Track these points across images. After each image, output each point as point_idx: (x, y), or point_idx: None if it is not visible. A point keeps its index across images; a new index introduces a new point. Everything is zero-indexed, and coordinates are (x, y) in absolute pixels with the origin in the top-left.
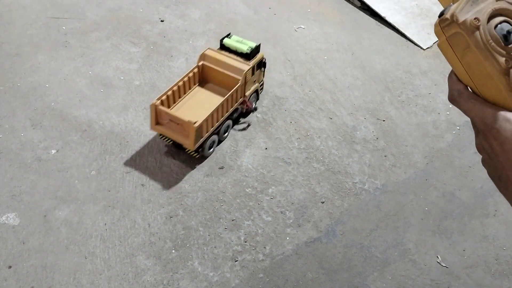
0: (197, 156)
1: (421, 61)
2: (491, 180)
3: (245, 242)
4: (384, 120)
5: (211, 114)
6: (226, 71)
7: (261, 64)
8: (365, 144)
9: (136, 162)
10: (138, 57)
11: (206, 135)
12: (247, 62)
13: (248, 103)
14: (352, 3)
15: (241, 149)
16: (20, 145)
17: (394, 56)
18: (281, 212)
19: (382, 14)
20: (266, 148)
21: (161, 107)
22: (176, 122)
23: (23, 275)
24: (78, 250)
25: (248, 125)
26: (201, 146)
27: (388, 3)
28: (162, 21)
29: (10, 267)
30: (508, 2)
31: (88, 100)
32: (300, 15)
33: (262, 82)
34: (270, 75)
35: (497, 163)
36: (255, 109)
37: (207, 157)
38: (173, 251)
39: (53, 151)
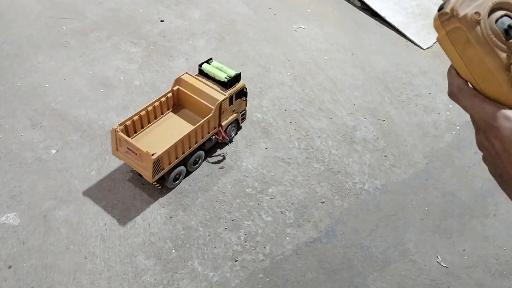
0: (159, 187)
1: (421, 61)
2: (491, 180)
3: (245, 242)
4: (384, 120)
5: (175, 145)
6: (201, 99)
7: (242, 93)
8: (365, 144)
9: None
10: (138, 57)
11: (169, 166)
12: (224, 92)
13: (223, 134)
14: (352, 3)
15: (241, 149)
16: (20, 145)
17: (394, 56)
18: (281, 212)
19: (382, 14)
20: (266, 148)
21: (120, 134)
22: (134, 151)
23: (23, 275)
24: (78, 250)
25: (224, 158)
26: (163, 177)
27: (388, 3)
28: (162, 21)
29: (10, 267)
30: None
31: (88, 100)
32: (300, 15)
33: (244, 111)
34: (270, 75)
35: (498, 161)
36: (231, 141)
37: (173, 188)
38: (173, 251)
39: (53, 151)
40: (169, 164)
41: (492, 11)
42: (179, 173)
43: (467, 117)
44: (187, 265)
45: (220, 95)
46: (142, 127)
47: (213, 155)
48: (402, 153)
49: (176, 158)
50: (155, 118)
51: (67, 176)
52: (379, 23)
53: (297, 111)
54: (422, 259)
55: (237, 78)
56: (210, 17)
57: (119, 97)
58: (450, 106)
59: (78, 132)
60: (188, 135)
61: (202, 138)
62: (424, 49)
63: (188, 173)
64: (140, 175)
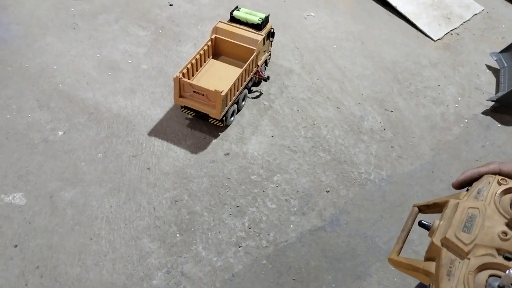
0: (221, 125)
1: (431, 53)
2: None
3: (249, 228)
4: (392, 111)
5: (233, 83)
6: (240, 42)
7: (270, 35)
8: (372, 135)
9: (142, 146)
10: (146, 41)
11: (230, 103)
12: (259, 33)
13: (260, 72)
14: None
15: (247, 136)
16: (27, 125)
17: (404, 46)
18: (286, 200)
19: (393, 3)
20: (272, 136)
21: (184, 79)
22: (201, 92)
23: (28, 254)
24: (83, 231)
25: (261, 93)
26: (225, 115)
27: None
28: (171, 5)
29: (16, 246)
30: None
31: (95, 82)
32: (310, 3)
33: (270, 52)
34: (279, 62)
35: None
36: (268, 77)
37: (229, 125)
38: (178, 235)
39: (60, 133)
40: (230, 101)
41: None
42: (234, 111)
43: (475, 110)
44: (191, 249)
45: (258, 36)
46: (193, 74)
47: (252, 92)
48: (409, 144)
49: (233, 96)
50: (201, 66)
51: (74, 158)
52: (389, 13)
53: (304, 100)
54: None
55: (266, 20)
56: (219, 2)
57: (126, 81)
58: (459, 99)
59: (85, 114)
60: (241, 74)
61: (248, 76)
62: (434, 40)
63: (237, 111)
64: (202, 117)
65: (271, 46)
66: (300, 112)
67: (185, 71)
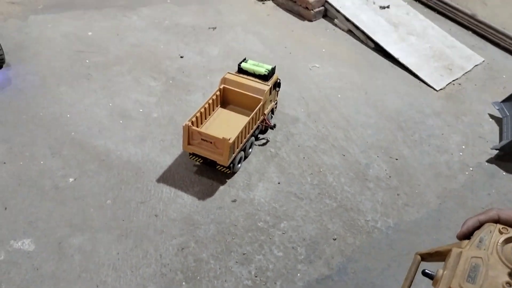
0: (229, 172)
1: (434, 102)
2: None
3: (256, 277)
4: (397, 159)
5: (241, 131)
6: (247, 92)
7: (276, 85)
8: (377, 182)
9: (151, 192)
10: (157, 90)
11: (237, 151)
12: (266, 83)
13: (267, 121)
14: (366, 44)
15: (254, 182)
16: (39, 172)
17: (407, 96)
18: (293, 248)
19: (396, 55)
20: (279, 183)
21: (193, 127)
22: (209, 140)
23: None
24: (90, 278)
25: (267, 141)
26: (232, 162)
27: (402, 45)
28: (181, 57)
29: None
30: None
31: (107, 130)
32: (315, 55)
33: (276, 101)
34: (285, 111)
35: None
36: (274, 126)
37: (236, 172)
38: (184, 283)
39: (71, 180)
40: (237, 148)
41: None
42: (241, 158)
43: (480, 158)
44: None
45: (264, 86)
46: (201, 123)
47: (259, 139)
48: (415, 192)
49: (240, 143)
50: (209, 114)
51: (83, 205)
52: (392, 64)
53: (310, 147)
54: None
55: (273, 71)
56: (227, 54)
57: (137, 129)
58: (463, 147)
59: (96, 161)
60: (248, 122)
61: (255, 124)
62: (437, 90)
63: (244, 158)
64: (209, 164)
65: (277, 95)
66: (306, 160)
67: (194, 119)
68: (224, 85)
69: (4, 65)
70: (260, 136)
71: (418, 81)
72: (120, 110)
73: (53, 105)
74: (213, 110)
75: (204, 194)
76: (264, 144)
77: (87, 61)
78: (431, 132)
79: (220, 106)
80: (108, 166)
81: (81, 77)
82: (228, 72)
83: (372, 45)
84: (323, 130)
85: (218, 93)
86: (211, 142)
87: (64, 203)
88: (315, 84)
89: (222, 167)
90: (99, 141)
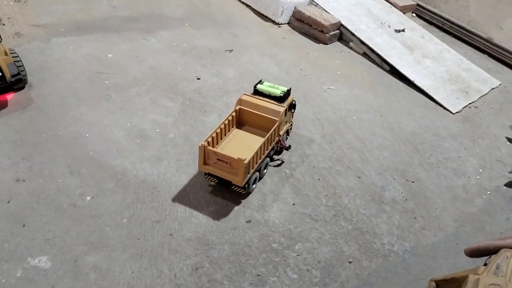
0: (243, 192)
1: (450, 125)
2: None
3: None
4: (413, 182)
5: (256, 152)
6: (263, 113)
7: (292, 106)
8: (394, 205)
9: (166, 212)
10: (174, 111)
11: (252, 171)
12: (281, 104)
13: (282, 142)
14: (381, 67)
15: (269, 203)
16: (57, 190)
17: (423, 118)
18: (307, 270)
19: (411, 78)
20: (293, 204)
21: (209, 148)
22: (225, 160)
23: None
24: None
25: (282, 162)
26: (247, 182)
27: (417, 67)
28: (198, 78)
29: None
30: None
31: (124, 150)
32: (330, 77)
33: (291, 123)
34: (300, 133)
35: None
36: (289, 147)
37: (251, 192)
38: None
39: (88, 198)
40: (252, 169)
41: None
42: (256, 178)
43: (498, 182)
44: None
45: (280, 107)
46: (217, 143)
47: (274, 160)
48: (432, 215)
49: (255, 164)
50: (225, 135)
51: (100, 223)
52: (407, 87)
53: (325, 169)
54: None
55: (288, 92)
56: (243, 76)
57: (154, 149)
58: (480, 170)
59: (113, 180)
60: (263, 143)
61: (270, 145)
62: (453, 113)
63: (259, 178)
64: (224, 184)
65: (292, 117)
66: (321, 181)
67: (210, 139)
68: (240, 106)
69: (26, 86)
70: (275, 157)
71: (434, 103)
72: (138, 130)
73: (73, 125)
74: (228, 131)
75: (218, 214)
76: (279, 165)
77: (107, 82)
78: (448, 155)
79: (236, 127)
80: (125, 185)
81: (100, 98)
82: (244, 94)
83: (388, 67)
84: (338, 152)
85: (234, 114)
86: (226, 162)
87: (81, 221)
88: (330, 106)
89: (237, 188)
90: (116, 161)
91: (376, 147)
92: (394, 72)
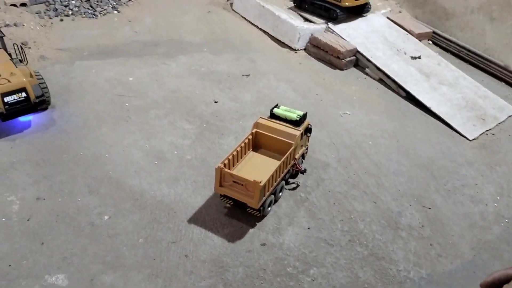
0: (259, 215)
1: (467, 152)
2: None
3: None
4: (430, 208)
5: (272, 175)
6: (279, 136)
7: (307, 130)
8: (410, 231)
9: (182, 232)
10: (191, 133)
11: (267, 194)
12: (297, 128)
13: (298, 165)
14: (397, 93)
15: (284, 226)
16: (76, 209)
17: (440, 145)
18: None
19: (428, 104)
20: (308, 228)
21: (225, 170)
22: (241, 182)
23: None
24: None
25: (297, 185)
26: (262, 205)
27: (433, 94)
28: (216, 102)
29: None
30: None
31: (142, 171)
32: (346, 102)
33: (307, 147)
34: (316, 156)
35: None
36: (305, 170)
37: (266, 215)
38: None
39: (106, 217)
40: (268, 192)
41: None
42: (271, 201)
43: None
44: None
45: (296, 131)
46: (233, 165)
47: (289, 183)
48: (449, 243)
49: (271, 187)
50: (241, 157)
51: (117, 242)
52: (423, 113)
53: (341, 193)
54: None
55: (304, 116)
56: (260, 100)
57: (171, 170)
58: (498, 198)
59: (131, 200)
60: (279, 166)
61: (286, 168)
62: (470, 140)
63: (274, 201)
64: (240, 206)
65: (308, 141)
66: (336, 205)
67: (226, 161)
68: (257, 129)
69: (49, 107)
70: (291, 180)
71: (451, 130)
72: (156, 152)
73: (93, 145)
74: (245, 154)
75: (233, 237)
76: (294, 188)
77: (127, 104)
78: (465, 182)
79: (252, 150)
80: (142, 205)
81: (121, 119)
82: (261, 117)
83: (404, 94)
84: (354, 177)
85: (250, 137)
86: (242, 185)
87: (98, 240)
88: (346, 131)
89: (252, 210)
90: (134, 181)
91: (392, 172)
92: (410, 98)
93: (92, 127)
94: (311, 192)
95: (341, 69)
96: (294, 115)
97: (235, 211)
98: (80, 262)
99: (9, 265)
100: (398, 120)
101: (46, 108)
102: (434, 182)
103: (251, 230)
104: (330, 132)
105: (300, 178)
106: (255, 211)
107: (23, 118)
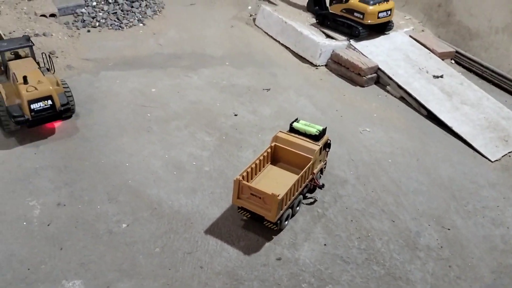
0: (275, 228)
1: (489, 173)
2: None
3: None
4: (449, 229)
5: (290, 189)
6: (298, 151)
7: (327, 145)
8: (428, 252)
9: (198, 243)
10: (210, 145)
11: (285, 208)
12: (316, 143)
13: (316, 180)
14: (418, 112)
15: (300, 242)
16: (95, 216)
17: (461, 165)
18: None
19: (449, 124)
20: (325, 244)
21: (244, 182)
22: (258, 195)
23: None
24: None
25: (315, 200)
26: (279, 218)
27: (455, 114)
28: (235, 115)
29: None
30: None
31: (161, 180)
32: (365, 119)
33: (325, 162)
34: (334, 172)
35: None
36: (323, 185)
37: (283, 229)
38: None
39: (124, 225)
40: (285, 205)
41: None
42: (288, 215)
43: None
44: None
45: (315, 146)
46: (251, 178)
47: (307, 198)
48: (468, 265)
49: (289, 201)
50: (259, 170)
51: (133, 251)
52: (445, 132)
53: (358, 210)
54: None
55: (324, 131)
56: (279, 114)
57: (189, 181)
58: None
59: (149, 209)
60: (297, 180)
61: (304, 183)
62: (492, 161)
63: (292, 215)
64: (257, 219)
65: (327, 156)
66: (354, 223)
67: (245, 174)
68: (276, 143)
69: (73, 115)
70: (308, 195)
71: (472, 150)
72: (175, 162)
73: (114, 154)
74: (263, 167)
75: (249, 250)
76: (311, 203)
77: (149, 115)
78: (486, 204)
79: (271, 163)
80: (160, 214)
81: (142, 129)
82: (280, 131)
83: (425, 112)
84: (372, 194)
85: (269, 150)
86: (260, 197)
87: (116, 247)
88: (365, 148)
89: (269, 223)
90: (153, 190)
91: (412, 191)
92: (432, 117)
93: (114, 136)
94: (329, 208)
95: (362, 86)
96: (314, 129)
97: (251, 224)
98: (97, 268)
99: (28, 269)
100: (419, 138)
101: (70, 116)
102: (454, 202)
103: (267, 244)
104: (349, 148)
105: (317, 193)
106: (272, 225)
107: (48, 125)
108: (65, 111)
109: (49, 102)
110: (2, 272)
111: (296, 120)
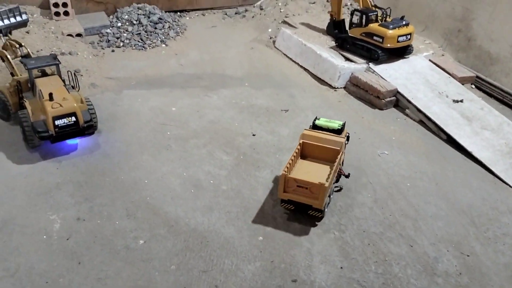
0: (320, 215)
1: (509, 199)
2: None
3: None
4: (468, 255)
5: (330, 177)
6: (326, 144)
7: (347, 138)
8: (447, 278)
9: (213, 262)
10: (228, 164)
11: (326, 195)
12: (341, 136)
13: (341, 170)
14: (438, 136)
15: (316, 264)
16: (113, 232)
17: (480, 191)
18: None
19: (469, 149)
20: (341, 268)
21: (289, 176)
22: (305, 186)
23: None
24: None
25: (341, 188)
26: (324, 205)
27: (475, 138)
28: (254, 135)
29: None
30: None
31: (179, 198)
32: (384, 142)
33: (344, 153)
34: (351, 195)
35: None
36: (349, 174)
37: (323, 217)
38: None
39: (141, 242)
40: (327, 193)
41: None
42: (327, 203)
43: None
44: None
45: (340, 138)
46: (289, 173)
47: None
48: None
49: (330, 188)
50: (293, 166)
51: (149, 267)
52: (465, 157)
53: (376, 234)
54: None
55: (343, 126)
56: (297, 135)
57: (206, 199)
58: None
59: (166, 226)
60: (334, 169)
61: (336, 172)
62: None
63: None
64: (301, 211)
65: (344, 148)
66: (371, 246)
67: (285, 169)
68: (304, 140)
69: (96, 132)
70: (334, 184)
71: (492, 176)
72: (193, 180)
73: (134, 171)
74: (296, 163)
75: (264, 270)
76: (338, 190)
77: (169, 133)
78: (507, 231)
79: (301, 158)
80: (176, 232)
81: (161, 147)
82: (305, 129)
83: (444, 137)
84: (390, 218)
85: (299, 147)
86: (306, 188)
87: (132, 263)
88: (383, 171)
89: (314, 212)
90: (170, 208)
91: (430, 216)
92: (451, 141)
93: (134, 153)
94: (345, 230)
95: (381, 109)
96: (336, 124)
97: (267, 244)
98: (114, 284)
99: (46, 282)
100: (438, 163)
101: (92, 133)
102: (473, 228)
103: (283, 266)
104: (367, 171)
105: (334, 216)
106: (317, 213)
107: (70, 141)
108: (88, 128)
109: (73, 118)
110: (22, 285)
111: (316, 118)
